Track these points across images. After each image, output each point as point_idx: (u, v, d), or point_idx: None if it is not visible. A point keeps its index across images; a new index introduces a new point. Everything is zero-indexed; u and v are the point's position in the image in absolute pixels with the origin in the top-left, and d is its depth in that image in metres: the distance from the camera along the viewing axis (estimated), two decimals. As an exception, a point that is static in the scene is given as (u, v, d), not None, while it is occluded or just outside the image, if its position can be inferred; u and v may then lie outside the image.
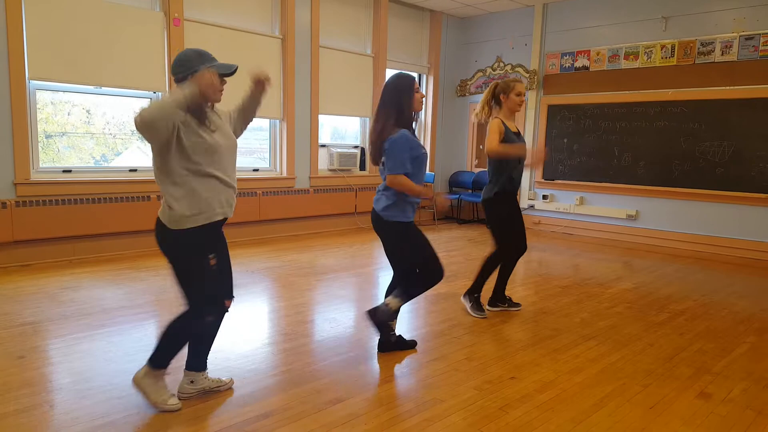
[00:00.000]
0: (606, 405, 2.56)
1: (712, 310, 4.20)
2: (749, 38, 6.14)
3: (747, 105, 6.16)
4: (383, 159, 2.94)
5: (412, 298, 3.08)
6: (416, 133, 3.11)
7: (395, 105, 2.91)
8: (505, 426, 2.34)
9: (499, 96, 3.76)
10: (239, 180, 6.85)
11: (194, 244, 2.31)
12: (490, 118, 3.77)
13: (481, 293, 3.92)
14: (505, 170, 3.71)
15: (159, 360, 2.41)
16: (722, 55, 6.32)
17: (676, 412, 2.51)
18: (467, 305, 3.93)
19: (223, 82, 2.34)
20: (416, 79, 3.03)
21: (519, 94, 3.70)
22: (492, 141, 3.62)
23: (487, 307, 4.01)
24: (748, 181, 6.21)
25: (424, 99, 3.04)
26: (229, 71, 2.34)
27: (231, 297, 2.55)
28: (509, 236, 3.82)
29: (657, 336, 3.56)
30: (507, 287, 4.08)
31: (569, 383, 2.79)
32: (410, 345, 3.24)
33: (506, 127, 3.70)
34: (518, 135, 3.79)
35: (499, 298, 4.01)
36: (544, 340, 3.40)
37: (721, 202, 6.43)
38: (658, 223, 6.95)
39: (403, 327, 3.56)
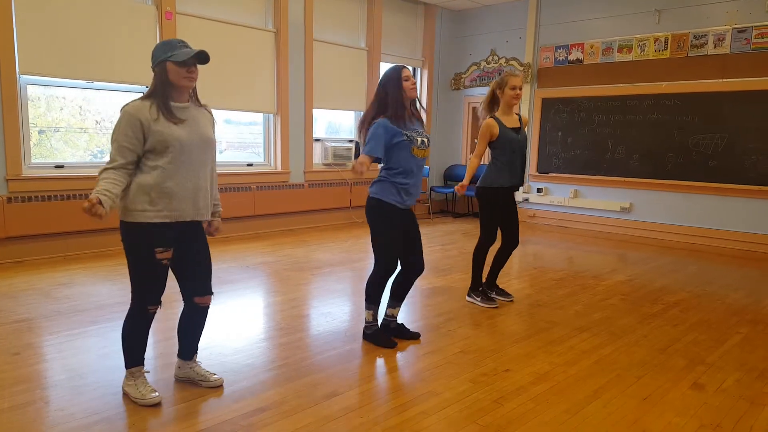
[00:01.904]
0: (600, 396, 2.58)
1: (705, 301, 4.22)
2: (741, 31, 6.15)
3: (739, 98, 6.18)
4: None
5: (368, 296, 3.16)
6: (422, 120, 3.19)
7: (377, 97, 3.02)
8: (500, 418, 2.35)
9: (496, 92, 3.78)
10: (234, 175, 6.81)
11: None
12: (488, 116, 3.81)
13: (483, 284, 4.02)
14: (500, 167, 3.75)
15: (125, 359, 2.46)
16: (715, 48, 6.34)
17: (670, 403, 2.53)
18: (476, 301, 3.97)
19: (189, 70, 2.27)
20: (406, 68, 3.05)
21: (513, 88, 3.69)
22: (476, 149, 3.80)
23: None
24: (740, 174, 6.24)
25: (415, 87, 3.08)
26: (185, 58, 2.24)
27: (208, 294, 2.54)
28: (490, 226, 3.87)
29: (651, 328, 3.58)
30: (500, 279, 4.19)
31: (564, 375, 2.80)
32: (413, 336, 3.30)
33: (501, 125, 3.72)
34: (517, 130, 3.78)
35: (489, 285, 4.11)
36: (539, 333, 3.42)
37: (714, 195, 6.46)
38: (651, 216, 6.98)
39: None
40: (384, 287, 3.16)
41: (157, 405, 2.38)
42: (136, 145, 2.25)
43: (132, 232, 2.31)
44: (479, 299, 3.95)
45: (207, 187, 2.43)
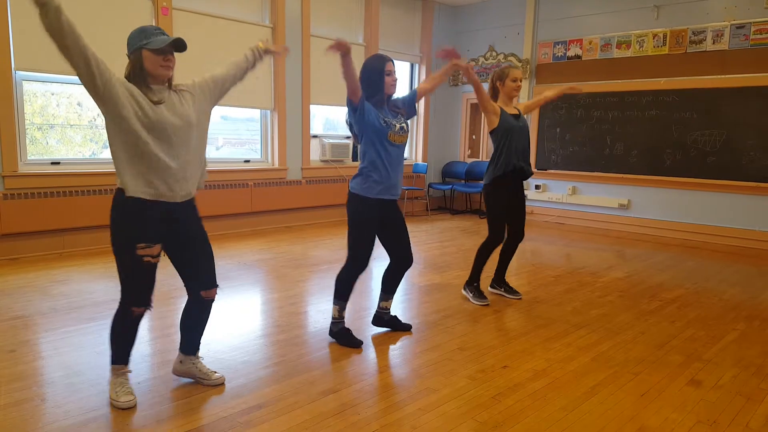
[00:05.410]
0: (598, 393, 2.58)
1: (702, 298, 4.23)
2: (740, 27, 6.14)
3: (738, 94, 6.18)
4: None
5: (337, 291, 3.09)
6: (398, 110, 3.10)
7: (364, 85, 2.95)
8: (498, 414, 2.35)
9: (496, 83, 3.80)
10: (231, 171, 6.78)
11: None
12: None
13: (480, 281, 3.98)
14: (503, 153, 3.72)
15: (111, 355, 2.40)
16: (713, 44, 6.33)
17: (667, 399, 2.53)
18: (468, 296, 3.96)
19: (166, 58, 2.20)
20: (391, 62, 2.97)
21: (514, 80, 3.72)
22: (489, 119, 3.73)
23: (489, 289, 4.13)
24: (739, 170, 6.24)
25: (395, 83, 3.01)
26: (161, 45, 2.18)
27: (213, 286, 2.47)
28: (498, 223, 3.84)
29: (648, 324, 3.58)
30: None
31: (561, 372, 2.80)
32: (404, 327, 3.33)
33: (503, 110, 3.73)
34: (517, 117, 3.79)
35: (497, 281, 4.10)
36: (537, 329, 3.42)
37: (712, 191, 6.47)
38: (649, 212, 6.99)
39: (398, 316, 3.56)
40: (353, 283, 3.08)
41: (128, 409, 2.29)
42: (110, 79, 2.17)
43: (118, 209, 2.20)
44: (471, 294, 3.95)
45: (192, 167, 2.30)
